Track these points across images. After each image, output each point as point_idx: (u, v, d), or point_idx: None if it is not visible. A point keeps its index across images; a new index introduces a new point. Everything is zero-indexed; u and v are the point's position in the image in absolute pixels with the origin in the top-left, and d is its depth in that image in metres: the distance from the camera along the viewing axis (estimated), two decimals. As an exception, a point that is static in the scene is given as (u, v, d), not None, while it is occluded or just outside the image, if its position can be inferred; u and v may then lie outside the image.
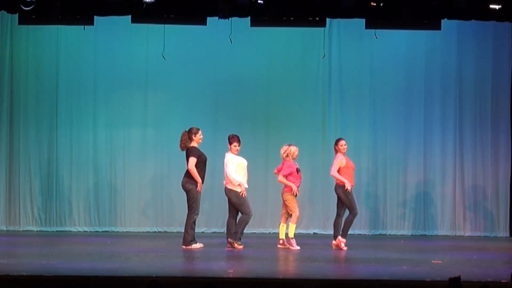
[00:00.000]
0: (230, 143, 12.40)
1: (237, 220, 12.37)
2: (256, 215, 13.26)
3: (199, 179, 12.09)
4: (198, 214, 12.25)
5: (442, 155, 14.69)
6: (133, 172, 14.69)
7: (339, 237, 12.19)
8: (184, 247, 12.15)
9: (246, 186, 12.38)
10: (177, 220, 14.35)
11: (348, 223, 12.24)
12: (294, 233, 12.36)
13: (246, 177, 12.40)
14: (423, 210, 14.69)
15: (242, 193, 12.25)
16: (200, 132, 12.27)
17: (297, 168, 12.39)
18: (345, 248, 12.12)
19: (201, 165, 12.18)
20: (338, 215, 12.34)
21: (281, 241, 12.44)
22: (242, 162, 12.38)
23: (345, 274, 10.23)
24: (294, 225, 12.34)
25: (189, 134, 12.26)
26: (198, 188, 12.09)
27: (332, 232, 12.46)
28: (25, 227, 14.63)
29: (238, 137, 12.41)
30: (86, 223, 14.65)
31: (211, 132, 13.94)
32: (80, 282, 8.94)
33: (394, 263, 10.66)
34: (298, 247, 12.24)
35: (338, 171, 12.22)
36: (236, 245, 12.18)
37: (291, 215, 12.33)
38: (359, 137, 14.53)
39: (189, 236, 12.19)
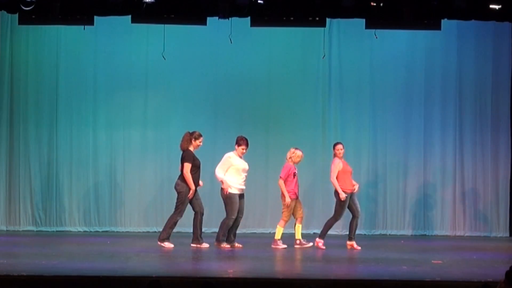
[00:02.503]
0: (239, 145, 12.36)
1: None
2: (256, 215, 13.28)
3: (192, 186, 12.17)
4: (180, 218, 12.35)
5: (442, 155, 14.69)
6: (133, 172, 14.70)
7: (317, 237, 12.47)
8: (158, 242, 12.28)
9: (243, 187, 12.38)
10: (177, 220, 14.35)
11: (328, 226, 12.48)
12: (283, 235, 12.47)
13: (243, 181, 12.38)
14: (423, 210, 14.69)
15: (225, 190, 12.25)
16: (201, 139, 12.33)
17: (294, 172, 12.42)
18: (323, 247, 12.30)
19: (194, 169, 12.26)
20: (354, 217, 12.42)
21: (297, 241, 12.49)
22: (238, 165, 12.33)
23: (345, 274, 10.23)
24: (282, 228, 12.44)
25: (191, 136, 12.31)
26: (190, 194, 12.15)
27: (347, 233, 12.66)
28: (25, 227, 14.63)
29: (247, 140, 12.40)
30: (86, 223, 14.65)
31: (211, 132, 13.95)
32: (80, 282, 8.94)
33: (394, 263, 10.66)
34: (285, 246, 12.33)
35: (337, 175, 12.34)
36: (222, 245, 12.26)
37: (302, 216, 12.47)
38: (359, 137, 14.54)
39: (165, 234, 12.30)
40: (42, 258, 10.74)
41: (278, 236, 12.43)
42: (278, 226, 12.44)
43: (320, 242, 12.40)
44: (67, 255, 11.31)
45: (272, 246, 12.39)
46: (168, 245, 12.24)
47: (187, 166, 12.18)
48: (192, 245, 12.30)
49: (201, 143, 12.37)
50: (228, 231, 12.35)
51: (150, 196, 14.75)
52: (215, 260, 11.20)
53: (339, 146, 12.47)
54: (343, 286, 9.07)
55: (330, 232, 13.54)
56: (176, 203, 12.33)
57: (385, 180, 14.73)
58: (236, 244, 12.38)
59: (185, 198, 12.22)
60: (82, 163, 14.67)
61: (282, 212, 12.43)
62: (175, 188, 12.35)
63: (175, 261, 11.01)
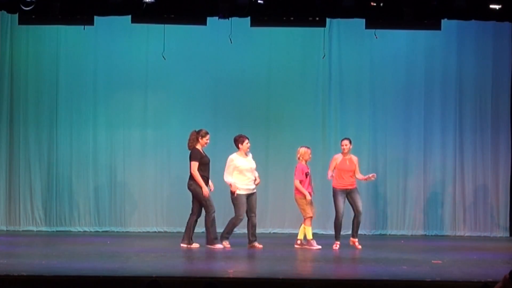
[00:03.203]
0: (242, 142, 12.34)
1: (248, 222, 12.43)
2: (257, 215, 13.25)
3: (202, 184, 12.11)
4: (214, 211, 12.26)
5: (442, 155, 14.69)
6: (133, 172, 14.70)
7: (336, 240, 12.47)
8: (208, 246, 12.18)
9: (250, 187, 12.33)
10: (177, 220, 14.34)
11: (334, 227, 12.48)
12: (308, 234, 12.41)
13: (249, 181, 12.31)
14: (423, 210, 14.69)
15: (234, 193, 12.25)
16: (208, 137, 12.31)
17: (306, 172, 12.41)
18: (336, 248, 12.32)
19: (203, 167, 12.21)
20: (354, 215, 12.48)
21: (298, 241, 12.48)
22: (240, 166, 12.31)
23: (345, 274, 10.23)
24: (310, 227, 12.39)
25: (197, 135, 12.31)
26: (204, 193, 12.11)
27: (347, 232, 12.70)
28: (25, 227, 14.63)
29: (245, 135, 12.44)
30: (86, 223, 14.66)
31: (211, 132, 13.85)
32: (80, 282, 8.94)
33: (394, 263, 10.66)
34: (319, 246, 12.31)
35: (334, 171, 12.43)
36: (224, 243, 12.25)
37: (305, 218, 12.40)
38: (359, 137, 14.51)
39: (211, 235, 12.21)
40: (42, 258, 10.74)
41: (310, 236, 12.38)
42: (305, 226, 12.35)
43: (336, 245, 12.37)
44: (67, 255, 11.30)
45: (307, 247, 12.34)
46: (225, 244, 12.19)
47: (194, 165, 12.14)
48: (182, 245, 12.26)
49: (208, 141, 12.33)
50: (248, 232, 12.32)
51: (150, 196, 14.75)
52: (215, 260, 11.20)
53: (343, 142, 12.52)
54: (343, 286, 9.07)
55: (329, 232, 13.59)
56: (202, 203, 12.18)
57: (385, 180, 14.72)
58: (256, 244, 12.29)
59: (203, 196, 12.15)
60: (82, 163, 14.67)
61: (302, 211, 12.38)
62: (189, 189, 12.26)
63: (175, 261, 11.01)
